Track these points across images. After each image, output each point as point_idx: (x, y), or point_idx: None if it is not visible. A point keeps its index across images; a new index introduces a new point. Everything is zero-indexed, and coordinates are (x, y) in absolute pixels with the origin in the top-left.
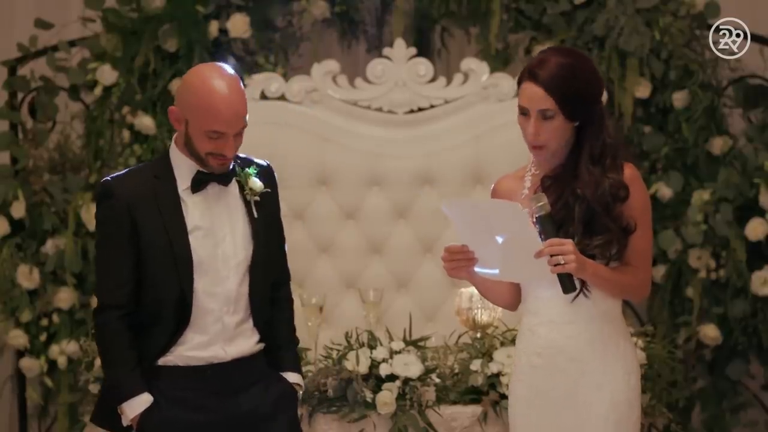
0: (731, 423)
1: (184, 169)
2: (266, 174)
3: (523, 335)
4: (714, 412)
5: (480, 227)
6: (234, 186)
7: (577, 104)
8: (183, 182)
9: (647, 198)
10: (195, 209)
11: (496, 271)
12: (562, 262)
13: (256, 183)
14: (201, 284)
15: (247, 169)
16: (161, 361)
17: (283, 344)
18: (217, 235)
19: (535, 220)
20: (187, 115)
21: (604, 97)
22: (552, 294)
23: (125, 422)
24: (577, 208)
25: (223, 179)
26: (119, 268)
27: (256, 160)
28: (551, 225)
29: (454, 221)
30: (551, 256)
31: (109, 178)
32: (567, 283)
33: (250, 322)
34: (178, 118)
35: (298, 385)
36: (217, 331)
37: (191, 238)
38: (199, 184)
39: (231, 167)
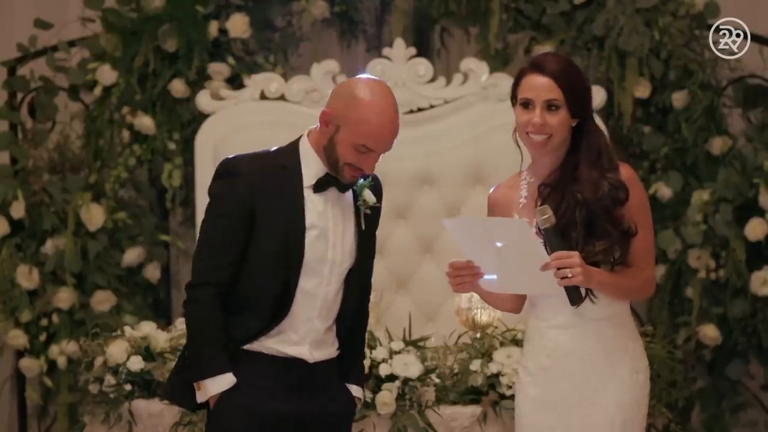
0: (731, 423)
1: (312, 167)
2: (376, 187)
3: (532, 338)
4: (714, 413)
5: (483, 242)
6: (349, 193)
7: (580, 98)
8: (308, 179)
9: (645, 197)
10: (314, 208)
11: (501, 284)
12: (569, 275)
13: (370, 196)
14: (304, 284)
15: (362, 181)
16: (246, 347)
17: (352, 355)
18: (328, 239)
19: (539, 232)
20: (341, 123)
21: (603, 97)
22: (560, 299)
23: (201, 398)
24: (578, 213)
25: (344, 186)
26: (228, 248)
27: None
28: (557, 237)
29: (456, 237)
30: (558, 269)
31: (235, 156)
32: (574, 294)
33: (335, 329)
34: (330, 121)
35: (359, 399)
36: (306, 333)
37: (306, 237)
38: (322, 185)
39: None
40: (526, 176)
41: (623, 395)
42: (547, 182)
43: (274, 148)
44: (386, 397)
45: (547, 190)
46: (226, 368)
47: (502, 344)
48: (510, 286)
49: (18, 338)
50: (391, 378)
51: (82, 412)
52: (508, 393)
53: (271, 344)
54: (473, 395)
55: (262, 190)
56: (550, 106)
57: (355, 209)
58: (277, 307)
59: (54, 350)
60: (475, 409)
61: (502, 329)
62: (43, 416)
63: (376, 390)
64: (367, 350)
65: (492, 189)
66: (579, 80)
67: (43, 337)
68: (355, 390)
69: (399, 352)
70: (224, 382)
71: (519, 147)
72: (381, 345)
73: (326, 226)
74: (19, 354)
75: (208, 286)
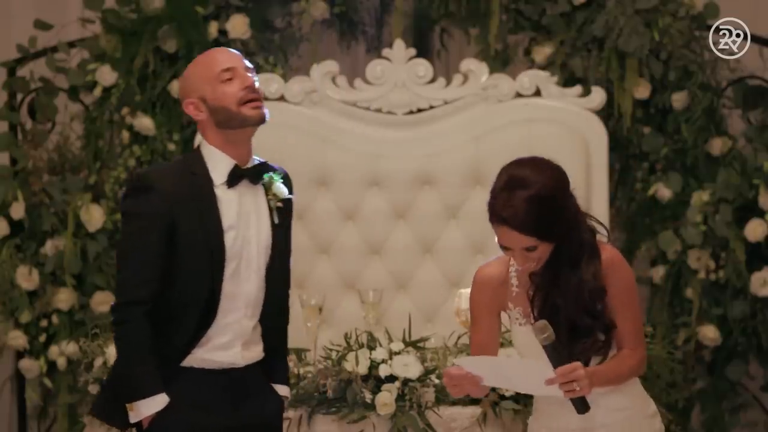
0: (731, 424)
1: (219, 165)
2: (285, 182)
3: (538, 411)
4: (713, 413)
5: (497, 376)
6: (261, 189)
7: (555, 229)
8: (218, 178)
9: (630, 278)
10: (230, 208)
11: (505, 386)
12: (577, 387)
13: (281, 189)
14: (227, 286)
15: (272, 174)
16: (180, 363)
17: (277, 354)
18: (244, 237)
19: (542, 347)
20: (200, 91)
21: (603, 98)
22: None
23: (135, 419)
24: (562, 318)
25: (254, 177)
26: (149, 263)
27: (275, 166)
28: (558, 353)
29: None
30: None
31: (145, 170)
32: (580, 405)
33: (260, 329)
34: (196, 105)
35: (286, 397)
36: (236, 334)
37: (225, 239)
38: (234, 178)
39: (261, 163)
40: (515, 264)
41: None
42: (537, 272)
43: (179, 156)
44: (386, 397)
45: (538, 280)
46: (158, 389)
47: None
48: (514, 389)
49: (18, 339)
50: (391, 379)
51: (81, 413)
52: (507, 394)
53: (202, 354)
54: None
55: (177, 199)
56: (528, 250)
57: (267, 204)
58: (204, 313)
59: (54, 351)
60: (474, 410)
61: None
62: (43, 417)
63: (375, 391)
64: (366, 351)
65: (479, 268)
66: (548, 216)
67: (42, 338)
68: (282, 390)
69: (399, 353)
70: (157, 403)
71: None
72: (381, 346)
73: (243, 225)
74: (19, 355)
75: (134, 305)
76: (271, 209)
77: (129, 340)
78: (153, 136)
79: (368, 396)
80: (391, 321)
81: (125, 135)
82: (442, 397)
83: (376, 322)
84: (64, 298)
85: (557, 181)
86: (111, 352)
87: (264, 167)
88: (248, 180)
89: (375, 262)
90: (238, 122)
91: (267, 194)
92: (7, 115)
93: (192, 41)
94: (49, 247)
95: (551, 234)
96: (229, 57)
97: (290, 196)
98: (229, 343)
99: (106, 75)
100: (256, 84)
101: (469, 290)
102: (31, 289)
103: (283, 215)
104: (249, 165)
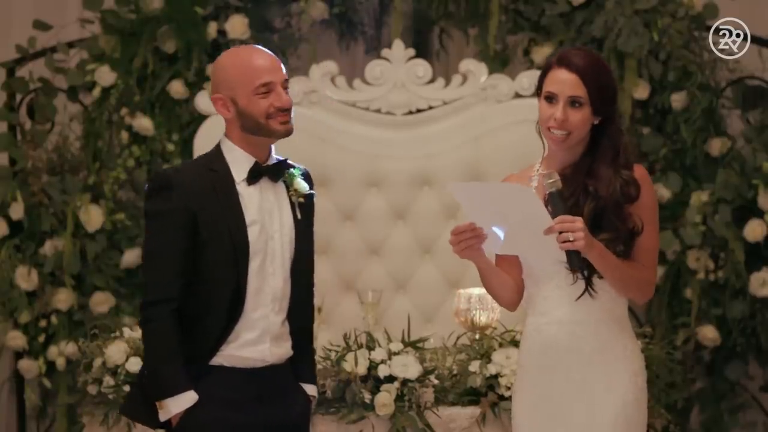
0: (730, 424)
1: (239, 162)
2: (306, 179)
3: (529, 335)
4: (712, 413)
5: (489, 208)
6: (282, 185)
7: (604, 98)
8: (239, 176)
9: (656, 199)
10: (251, 203)
11: (504, 246)
12: (572, 238)
13: (302, 185)
14: (252, 280)
15: (292, 170)
16: (208, 362)
17: (303, 352)
18: (267, 231)
19: (546, 196)
20: (231, 92)
21: None
22: (560, 294)
23: (164, 417)
24: (587, 207)
25: (275, 174)
26: (173, 261)
27: (294, 164)
28: (562, 202)
29: (462, 203)
30: (560, 233)
31: (164, 170)
32: (575, 259)
33: (287, 325)
34: (225, 102)
35: (314, 396)
36: (265, 329)
37: (249, 233)
38: (255, 175)
39: (281, 160)
40: (539, 168)
41: (626, 396)
42: (560, 173)
43: (199, 155)
44: (385, 398)
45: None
46: (187, 386)
47: (500, 345)
48: (513, 248)
49: (17, 339)
50: (390, 379)
51: (81, 413)
52: (506, 394)
53: (231, 351)
54: (472, 396)
55: (198, 196)
56: (573, 102)
57: (288, 199)
58: (231, 309)
59: (53, 351)
60: (474, 410)
61: (500, 330)
62: (42, 417)
63: (374, 391)
64: (365, 351)
65: (503, 178)
66: (605, 79)
67: (42, 339)
68: (310, 389)
69: (398, 353)
70: (186, 400)
71: (542, 139)
72: (380, 346)
73: (265, 219)
74: (18, 355)
75: (161, 303)
76: (293, 205)
77: (156, 338)
78: (152, 136)
79: (367, 396)
80: (390, 321)
81: (124, 135)
82: (442, 398)
83: (375, 323)
84: (63, 298)
85: (612, 73)
86: (110, 352)
87: (284, 165)
88: (268, 177)
89: (374, 262)
90: (264, 133)
91: (288, 190)
92: (7, 115)
93: (191, 42)
94: (48, 247)
95: (601, 96)
96: (269, 69)
97: (312, 191)
98: (257, 338)
99: (105, 75)
100: (290, 102)
101: (468, 291)
102: (30, 290)
103: (305, 211)
104: (269, 163)
